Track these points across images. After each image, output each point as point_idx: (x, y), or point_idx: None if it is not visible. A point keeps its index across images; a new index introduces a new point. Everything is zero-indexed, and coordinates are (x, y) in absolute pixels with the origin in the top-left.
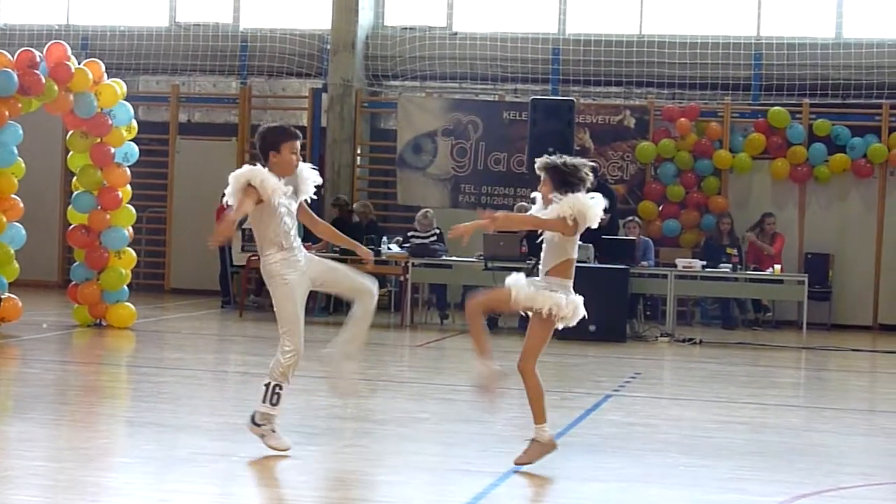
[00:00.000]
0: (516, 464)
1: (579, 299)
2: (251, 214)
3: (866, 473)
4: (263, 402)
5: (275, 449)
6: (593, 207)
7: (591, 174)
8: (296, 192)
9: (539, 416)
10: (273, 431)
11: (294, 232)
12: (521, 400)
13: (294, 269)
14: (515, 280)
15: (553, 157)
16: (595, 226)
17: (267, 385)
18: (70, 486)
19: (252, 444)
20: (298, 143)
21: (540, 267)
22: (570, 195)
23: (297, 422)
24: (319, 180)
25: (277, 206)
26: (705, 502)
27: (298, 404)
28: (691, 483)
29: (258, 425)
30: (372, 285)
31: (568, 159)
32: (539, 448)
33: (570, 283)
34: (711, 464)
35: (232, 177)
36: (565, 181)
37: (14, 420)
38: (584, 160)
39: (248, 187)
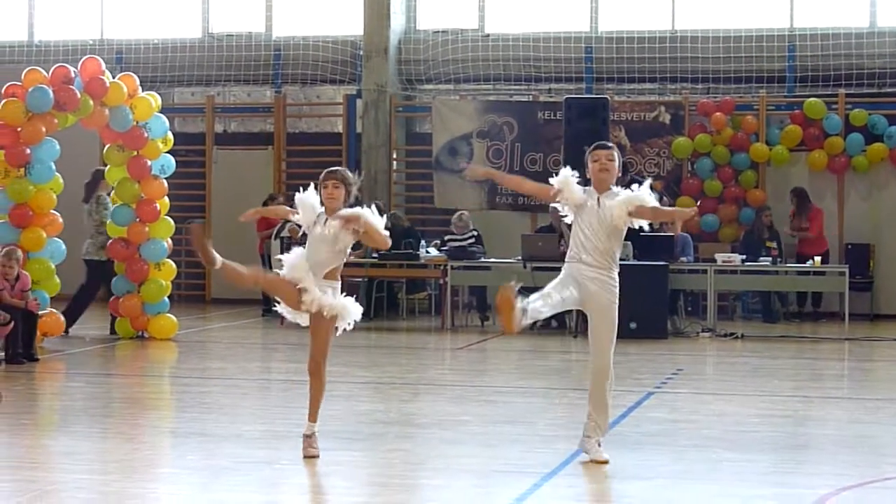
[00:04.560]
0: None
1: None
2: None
3: None
4: None
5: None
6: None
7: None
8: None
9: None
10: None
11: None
12: (563, 400)
13: None
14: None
15: None
16: None
17: None
18: (115, 498)
19: (295, 452)
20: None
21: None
22: None
23: (339, 427)
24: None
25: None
26: (749, 497)
27: (340, 410)
28: (735, 478)
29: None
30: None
31: None
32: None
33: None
34: (755, 458)
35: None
36: None
37: (58, 434)
38: None
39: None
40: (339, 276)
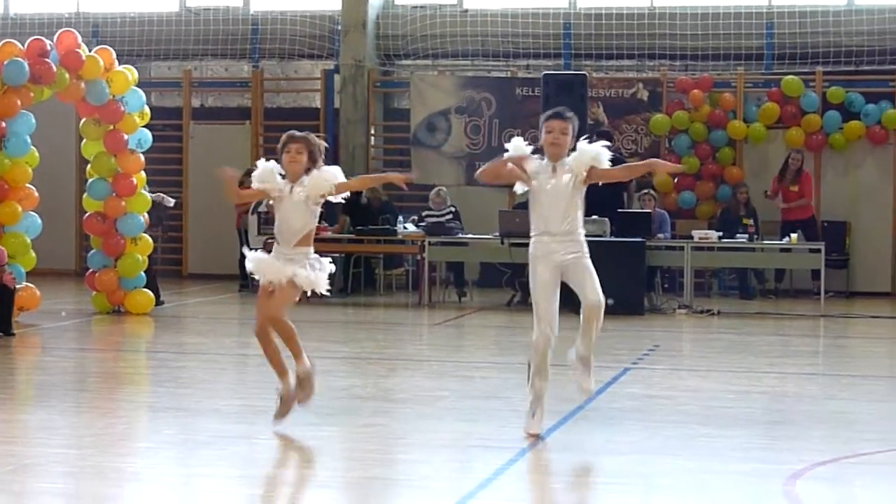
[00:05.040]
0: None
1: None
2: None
3: (885, 440)
4: None
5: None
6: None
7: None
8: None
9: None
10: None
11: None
12: None
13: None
14: None
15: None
16: None
17: None
18: (92, 472)
19: (272, 426)
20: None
21: None
22: None
23: (315, 402)
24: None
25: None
26: (725, 472)
27: (317, 385)
28: (711, 454)
29: None
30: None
31: None
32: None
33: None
34: (730, 434)
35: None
36: None
37: (35, 408)
38: None
39: None
40: (311, 241)
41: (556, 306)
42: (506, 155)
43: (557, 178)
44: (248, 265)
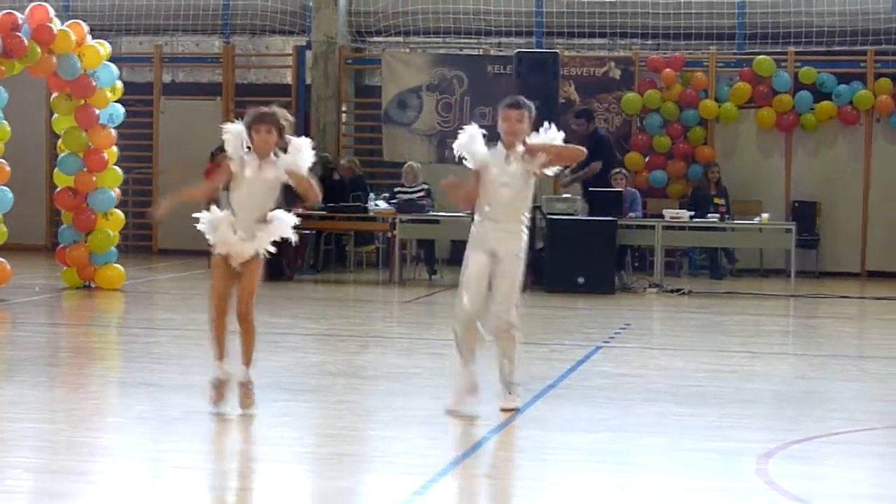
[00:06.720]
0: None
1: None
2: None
3: (856, 419)
4: None
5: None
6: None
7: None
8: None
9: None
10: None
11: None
12: None
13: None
14: None
15: None
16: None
17: None
18: (63, 447)
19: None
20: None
21: None
22: None
23: (287, 378)
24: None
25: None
26: (696, 450)
27: (288, 361)
28: (682, 432)
29: None
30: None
31: None
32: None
33: None
34: (702, 412)
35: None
36: None
37: (5, 383)
38: None
39: None
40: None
41: (484, 293)
42: (470, 171)
43: (510, 167)
44: (205, 227)
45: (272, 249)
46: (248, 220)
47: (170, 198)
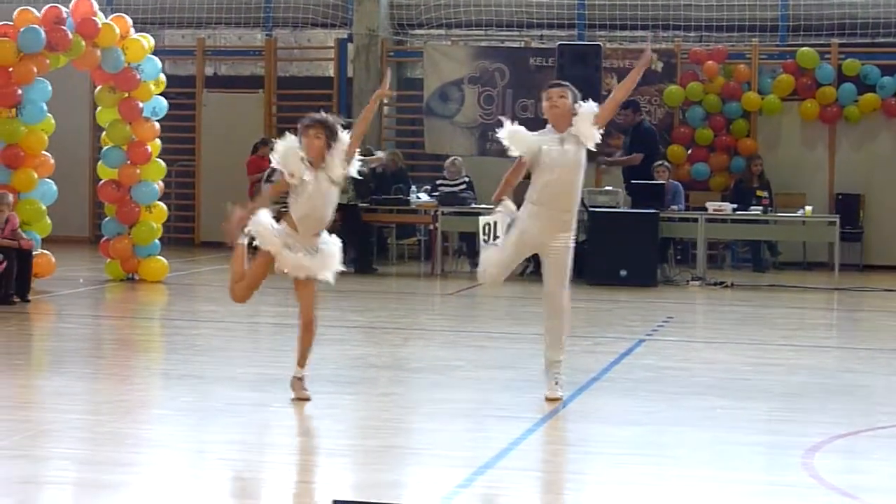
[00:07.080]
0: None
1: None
2: None
3: None
4: None
5: None
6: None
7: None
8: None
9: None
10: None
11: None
12: None
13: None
14: None
15: None
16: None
17: None
18: (109, 438)
19: (287, 394)
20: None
21: None
22: None
23: (331, 371)
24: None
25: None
26: (742, 444)
27: (332, 354)
28: (728, 426)
29: None
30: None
31: None
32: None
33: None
34: (747, 406)
35: None
36: None
37: (51, 374)
38: None
39: None
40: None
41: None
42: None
43: (565, 146)
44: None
45: (331, 280)
46: (309, 232)
47: (239, 214)
